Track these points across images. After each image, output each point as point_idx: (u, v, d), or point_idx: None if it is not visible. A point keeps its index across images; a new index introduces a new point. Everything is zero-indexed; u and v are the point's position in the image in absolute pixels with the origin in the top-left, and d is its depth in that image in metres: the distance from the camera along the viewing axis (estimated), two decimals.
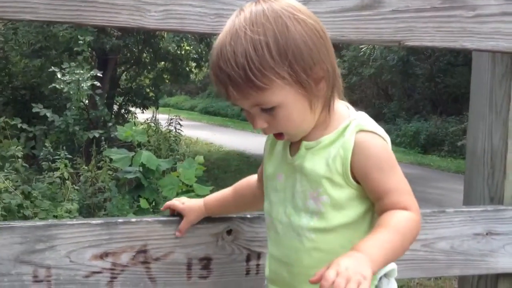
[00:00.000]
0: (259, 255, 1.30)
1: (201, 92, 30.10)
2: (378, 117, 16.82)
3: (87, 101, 8.32)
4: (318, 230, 1.04)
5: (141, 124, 10.04)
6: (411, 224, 0.99)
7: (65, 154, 5.30)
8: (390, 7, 1.32)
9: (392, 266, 1.07)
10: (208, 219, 1.27)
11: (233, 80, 0.94)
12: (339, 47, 15.00)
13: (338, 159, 1.01)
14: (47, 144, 5.93)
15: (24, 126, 6.78)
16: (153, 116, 10.80)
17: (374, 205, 1.04)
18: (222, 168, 10.28)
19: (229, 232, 1.28)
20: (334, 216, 1.03)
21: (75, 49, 7.36)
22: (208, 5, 1.25)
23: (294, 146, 1.08)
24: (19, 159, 5.31)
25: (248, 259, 1.29)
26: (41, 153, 5.93)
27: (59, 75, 6.55)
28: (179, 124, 9.86)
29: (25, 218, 4.45)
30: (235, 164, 10.89)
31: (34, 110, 6.72)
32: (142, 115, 11.14)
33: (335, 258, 0.88)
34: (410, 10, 1.34)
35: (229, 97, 0.98)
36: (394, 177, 1.01)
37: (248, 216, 1.30)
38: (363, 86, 17.45)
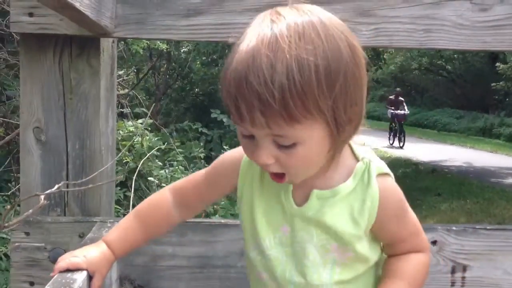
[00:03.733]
0: (464, 268, 1.31)
1: None
2: None
3: None
4: (344, 282, 0.92)
5: None
6: (424, 267, 0.97)
7: None
8: None
9: None
10: None
11: (263, 101, 0.71)
12: None
13: (366, 212, 0.87)
14: (225, 147, 6.41)
15: (204, 130, 7.44)
16: None
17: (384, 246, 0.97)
18: None
19: (434, 242, 1.30)
20: (359, 266, 0.93)
21: None
22: (418, 21, 1.30)
23: (297, 193, 0.90)
24: (202, 160, 5.84)
25: (453, 271, 1.31)
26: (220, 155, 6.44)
27: None
28: None
29: (207, 214, 4.86)
30: (401, 171, 10.63)
31: (212, 115, 7.34)
32: None
33: None
34: None
35: (244, 120, 0.75)
36: (409, 221, 0.94)
37: (454, 228, 1.31)
38: None
